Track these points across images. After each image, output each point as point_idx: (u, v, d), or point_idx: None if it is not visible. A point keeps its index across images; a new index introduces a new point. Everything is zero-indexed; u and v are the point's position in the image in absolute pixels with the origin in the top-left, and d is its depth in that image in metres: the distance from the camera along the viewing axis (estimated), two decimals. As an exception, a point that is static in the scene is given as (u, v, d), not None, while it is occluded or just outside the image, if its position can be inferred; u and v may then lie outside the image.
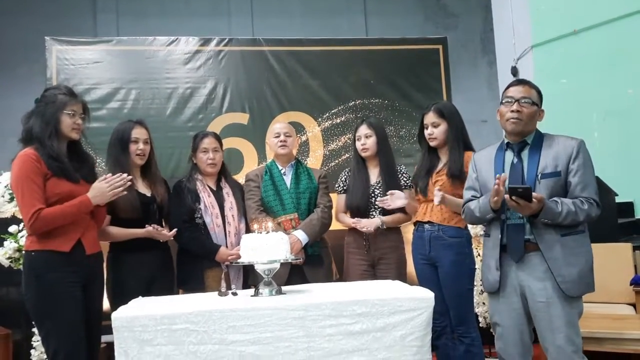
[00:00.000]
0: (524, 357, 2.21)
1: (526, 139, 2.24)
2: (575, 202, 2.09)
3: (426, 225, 2.71)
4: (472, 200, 2.35)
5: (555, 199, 2.10)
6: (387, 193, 2.79)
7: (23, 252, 2.33)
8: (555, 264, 2.09)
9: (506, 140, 2.30)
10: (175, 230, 2.69)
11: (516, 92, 2.22)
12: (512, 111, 2.19)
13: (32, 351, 3.08)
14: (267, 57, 3.85)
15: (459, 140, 2.69)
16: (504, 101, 2.25)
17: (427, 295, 2.02)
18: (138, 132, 2.72)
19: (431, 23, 7.32)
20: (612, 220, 4.13)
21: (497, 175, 2.14)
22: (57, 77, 3.58)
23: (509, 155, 2.26)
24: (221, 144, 2.99)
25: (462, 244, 2.66)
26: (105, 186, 2.31)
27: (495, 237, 2.23)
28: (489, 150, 2.37)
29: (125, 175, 2.38)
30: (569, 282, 2.08)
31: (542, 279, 2.12)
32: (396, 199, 2.76)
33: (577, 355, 2.09)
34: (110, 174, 2.37)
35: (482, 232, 3.53)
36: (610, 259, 3.50)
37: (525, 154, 2.23)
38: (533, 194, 2.02)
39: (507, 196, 2.07)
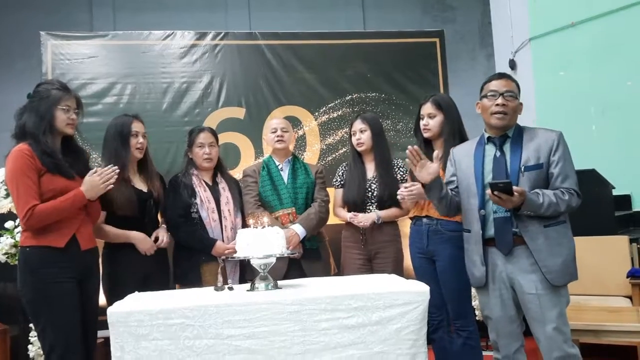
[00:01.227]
0: (516, 346, 2.25)
1: (507, 132, 2.26)
2: (556, 193, 2.13)
3: (424, 220, 2.70)
4: None
5: (536, 190, 2.13)
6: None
7: (18, 247, 2.33)
8: (540, 255, 2.13)
9: (487, 135, 2.31)
10: (165, 241, 2.71)
11: (499, 85, 2.24)
12: (498, 105, 2.21)
13: (30, 346, 3.08)
14: (264, 51, 3.83)
15: (454, 133, 2.68)
16: (487, 95, 2.26)
17: (422, 289, 2.02)
18: (137, 126, 2.72)
19: (429, 16, 7.29)
20: (609, 213, 4.13)
21: (410, 148, 2.19)
22: (53, 72, 3.57)
23: (490, 149, 2.28)
24: (217, 139, 2.99)
25: (460, 238, 2.64)
26: (97, 179, 2.30)
27: (477, 232, 2.25)
28: (468, 145, 2.39)
29: (112, 166, 2.36)
30: (553, 272, 2.12)
31: (530, 271, 2.15)
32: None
33: (567, 345, 2.12)
34: (100, 169, 2.35)
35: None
36: (607, 252, 3.51)
37: (507, 147, 2.25)
38: (514, 187, 2.04)
39: (488, 191, 2.09)
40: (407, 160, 2.31)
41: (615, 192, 4.43)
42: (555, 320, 2.12)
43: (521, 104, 2.28)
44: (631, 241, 3.63)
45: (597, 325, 2.80)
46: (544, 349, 2.15)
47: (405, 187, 2.50)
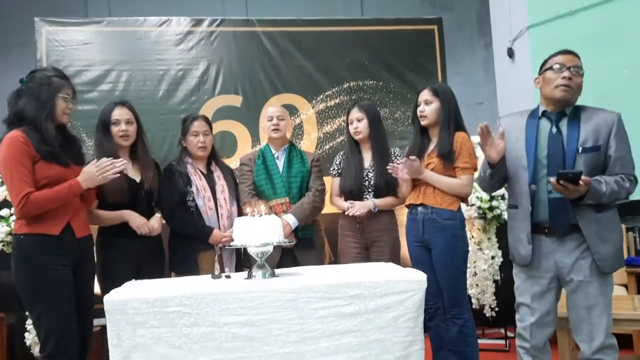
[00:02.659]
0: (546, 337, 2.23)
1: (565, 109, 2.20)
2: (617, 180, 2.08)
3: (419, 208, 2.71)
4: None
5: (598, 178, 2.07)
6: (399, 162, 2.70)
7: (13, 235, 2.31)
8: (593, 241, 2.10)
9: (542, 108, 2.24)
10: (156, 230, 2.69)
11: (566, 60, 2.18)
12: (564, 77, 2.15)
13: (26, 334, 3.09)
14: (261, 38, 3.80)
15: (450, 121, 2.67)
16: (553, 67, 2.18)
17: (419, 277, 2.02)
18: (118, 113, 2.67)
19: (427, 3, 7.24)
20: (606, 202, 4.15)
21: (481, 125, 2.13)
22: (47, 59, 3.53)
23: (545, 124, 2.21)
24: (211, 127, 2.97)
25: (455, 227, 2.66)
26: (95, 170, 2.29)
27: (526, 208, 2.18)
28: (518, 117, 2.30)
29: (115, 160, 2.35)
30: (605, 259, 2.10)
31: (580, 257, 2.12)
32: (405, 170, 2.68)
33: (608, 336, 2.12)
34: (103, 159, 2.34)
35: (477, 214, 3.56)
36: (604, 240, 3.51)
37: (563, 124, 2.18)
38: (582, 177, 1.98)
39: (553, 180, 2.02)
40: (478, 133, 2.18)
41: (612, 181, 4.43)
42: (601, 307, 2.10)
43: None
44: (627, 230, 3.64)
45: (593, 313, 2.80)
46: (585, 337, 2.13)
47: (399, 163, 2.63)
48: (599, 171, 2.11)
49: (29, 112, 2.24)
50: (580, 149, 2.11)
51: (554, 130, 2.17)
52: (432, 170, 2.66)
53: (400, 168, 2.68)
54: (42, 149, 2.22)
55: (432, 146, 2.73)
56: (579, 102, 2.24)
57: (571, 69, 2.16)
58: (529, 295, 2.23)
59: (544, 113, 2.22)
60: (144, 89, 3.64)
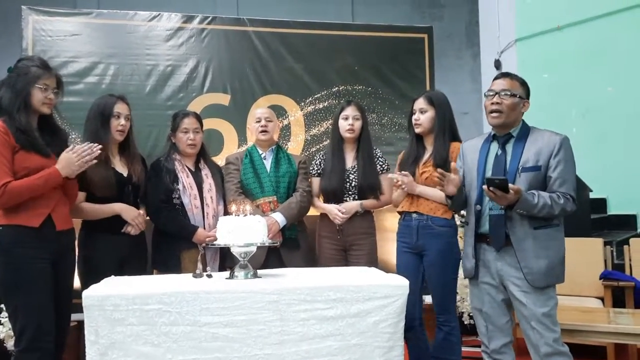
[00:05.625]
0: (504, 342, 2.28)
1: (511, 131, 2.30)
2: (552, 196, 2.16)
3: (414, 215, 2.70)
4: None
5: (532, 191, 2.16)
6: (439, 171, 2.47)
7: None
8: (524, 256, 2.17)
9: (493, 132, 2.36)
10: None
11: (497, 85, 2.28)
12: (492, 103, 2.26)
13: (0, 327, 3.02)
14: (251, 37, 3.78)
15: (445, 130, 2.69)
16: (486, 94, 2.31)
17: (402, 283, 2.04)
18: (120, 108, 2.67)
19: (417, 12, 7.32)
20: (585, 216, 4.22)
21: (436, 174, 2.25)
22: (34, 49, 3.46)
23: (494, 147, 2.33)
24: (202, 125, 2.95)
25: (450, 234, 2.67)
26: (73, 157, 2.25)
27: (471, 226, 2.32)
28: (477, 141, 2.43)
29: (92, 144, 2.30)
30: (535, 273, 2.15)
31: (518, 269, 2.19)
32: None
33: (557, 343, 2.16)
34: (82, 144, 2.29)
35: (459, 222, 3.59)
36: (582, 254, 3.57)
37: (509, 146, 2.29)
38: (510, 185, 2.07)
39: (485, 187, 2.12)
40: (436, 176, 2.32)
41: (591, 195, 4.51)
42: (541, 318, 2.15)
43: (527, 102, 2.30)
44: (605, 244, 3.70)
45: (570, 325, 2.83)
46: (531, 346, 2.19)
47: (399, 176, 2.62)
48: (540, 190, 2.19)
49: (5, 101, 2.22)
50: (520, 168, 2.22)
51: (499, 152, 2.29)
52: (426, 178, 2.66)
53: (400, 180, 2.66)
54: (21, 139, 2.19)
55: (427, 155, 2.74)
56: (532, 123, 2.34)
57: (500, 94, 2.25)
58: (480, 303, 2.33)
59: (494, 136, 2.35)
60: (131, 83, 3.59)
